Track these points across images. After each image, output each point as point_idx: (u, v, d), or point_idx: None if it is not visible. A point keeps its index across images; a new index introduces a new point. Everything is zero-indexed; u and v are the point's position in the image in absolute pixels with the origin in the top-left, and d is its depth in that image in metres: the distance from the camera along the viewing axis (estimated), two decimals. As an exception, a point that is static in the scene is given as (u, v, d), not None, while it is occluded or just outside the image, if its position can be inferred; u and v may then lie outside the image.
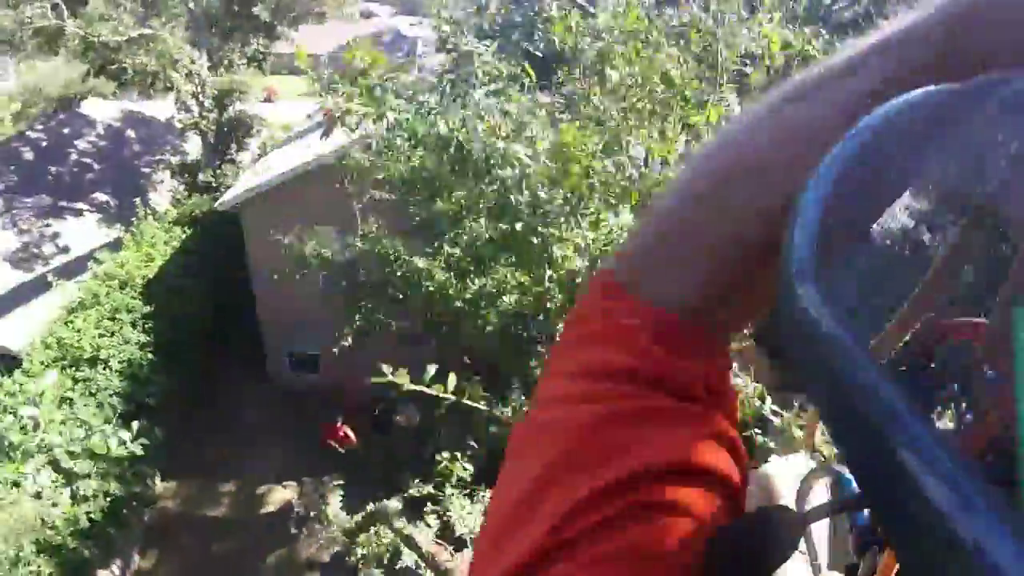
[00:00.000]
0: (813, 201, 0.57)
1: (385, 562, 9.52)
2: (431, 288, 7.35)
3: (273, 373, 17.60)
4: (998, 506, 0.41)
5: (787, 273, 0.56)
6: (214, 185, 19.90)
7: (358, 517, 11.36)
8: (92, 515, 11.44)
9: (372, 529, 10.47)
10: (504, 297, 6.70)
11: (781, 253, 0.57)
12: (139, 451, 10.72)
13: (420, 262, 7.37)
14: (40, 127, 21.94)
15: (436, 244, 7.50)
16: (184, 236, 17.53)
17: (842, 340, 0.51)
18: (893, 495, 0.47)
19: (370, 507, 10.55)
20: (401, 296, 8.43)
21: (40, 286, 15.96)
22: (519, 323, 6.52)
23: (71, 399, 12.82)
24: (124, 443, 10.49)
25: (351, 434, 14.87)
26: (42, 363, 13.44)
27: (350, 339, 10.16)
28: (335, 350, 10.16)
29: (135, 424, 10.69)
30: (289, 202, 14.44)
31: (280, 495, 15.21)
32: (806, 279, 0.55)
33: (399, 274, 7.93)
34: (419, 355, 10.43)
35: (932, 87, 0.59)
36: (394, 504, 10.87)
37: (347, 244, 9.43)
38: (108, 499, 11.83)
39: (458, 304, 7.25)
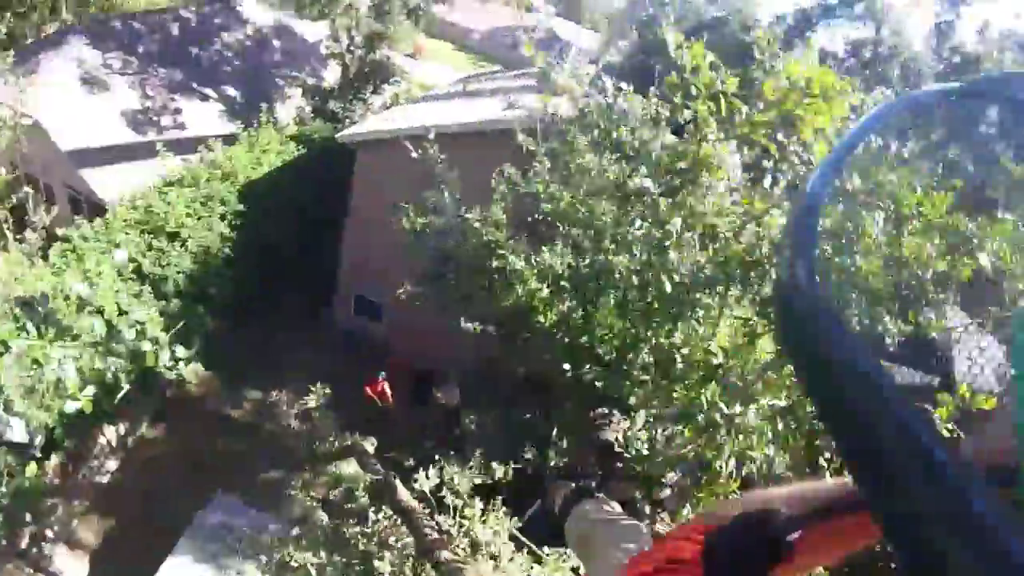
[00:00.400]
0: (812, 198, 0.77)
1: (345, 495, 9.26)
2: (519, 292, 7.00)
3: (338, 308, 17.76)
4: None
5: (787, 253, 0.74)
6: (340, 116, 20.05)
7: (330, 447, 11.19)
8: (118, 371, 11.45)
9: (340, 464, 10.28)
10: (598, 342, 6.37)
11: (783, 252, 0.77)
12: (187, 376, 10.50)
13: (517, 262, 7.00)
14: (193, 8, 22.42)
15: (549, 247, 7.09)
16: (297, 154, 17.60)
17: (818, 302, 0.69)
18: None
19: (346, 440, 10.34)
20: (490, 287, 8.12)
21: (148, 152, 16.25)
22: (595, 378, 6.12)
23: (140, 265, 12.94)
24: (177, 362, 10.26)
25: (388, 392, 14.83)
26: (124, 221, 13.61)
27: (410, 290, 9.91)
28: (401, 296, 9.94)
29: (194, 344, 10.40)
30: (407, 157, 14.44)
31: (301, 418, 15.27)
32: (801, 258, 0.72)
33: (494, 265, 7.63)
34: (481, 345, 10.39)
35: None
36: (370, 441, 10.71)
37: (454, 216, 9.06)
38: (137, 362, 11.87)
39: (539, 320, 6.90)
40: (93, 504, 12.56)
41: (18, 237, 11.60)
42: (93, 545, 12.46)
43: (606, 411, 4.84)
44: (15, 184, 16.93)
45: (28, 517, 10.56)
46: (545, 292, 6.68)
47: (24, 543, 11.09)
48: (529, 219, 8.09)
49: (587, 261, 6.40)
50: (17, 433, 9.33)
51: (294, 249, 16.88)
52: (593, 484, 3.33)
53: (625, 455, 4.30)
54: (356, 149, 15.76)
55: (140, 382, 11.86)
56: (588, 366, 5.98)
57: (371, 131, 15.69)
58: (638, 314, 5.53)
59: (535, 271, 6.78)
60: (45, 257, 12.65)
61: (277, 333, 16.56)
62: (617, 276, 5.60)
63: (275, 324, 16.70)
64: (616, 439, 4.30)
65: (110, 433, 12.90)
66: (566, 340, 6.60)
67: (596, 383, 5.77)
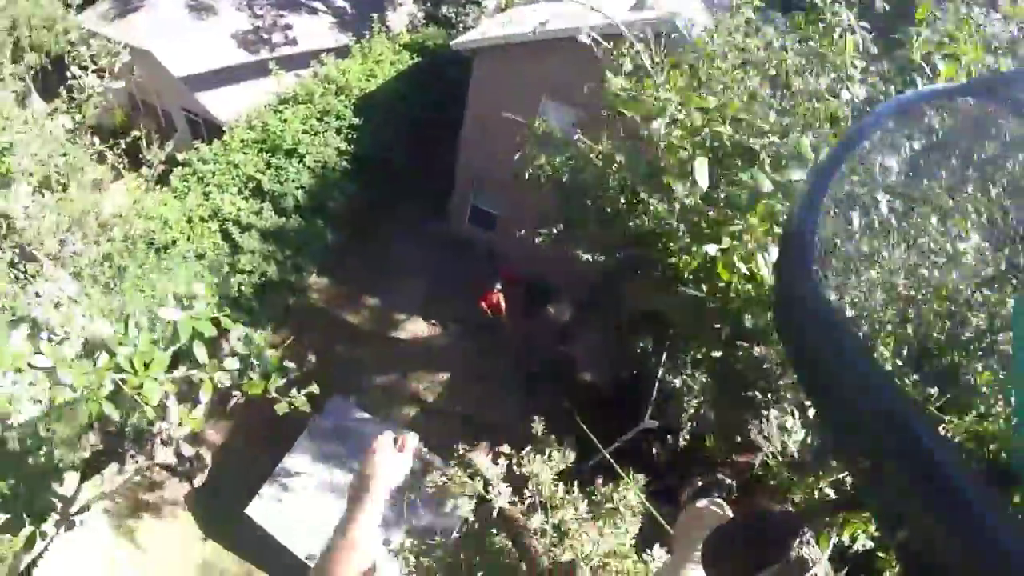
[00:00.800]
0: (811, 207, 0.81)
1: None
2: (647, 223, 6.59)
3: (452, 217, 18.25)
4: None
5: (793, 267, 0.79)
6: (454, 22, 20.13)
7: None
8: (244, 287, 12.21)
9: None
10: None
11: (783, 252, 0.83)
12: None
13: (655, 202, 6.49)
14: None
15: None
16: (411, 63, 17.88)
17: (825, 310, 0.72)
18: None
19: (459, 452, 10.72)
20: (615, 218, 7.80)
21: (260, 71, 16.84)
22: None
23: (260, 182, 13.57)
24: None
25: (503, 304, 15.38)
26: (242, 141, 14.27)
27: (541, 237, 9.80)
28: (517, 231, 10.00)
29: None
30: (525, 64, 14.38)
31: (416, 327, 16.45)
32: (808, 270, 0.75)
33: (622, 202, 7.33)
34: (594, 266, 10.46)
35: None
36: (484, 447, 11.14)
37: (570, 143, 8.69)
38: (262, 278, 12.58)
39: (671, 262, 6.47)
40: (217, 407, 13.54)
41: (139, 173, 12.31)
42: (217, 444, 13.70)
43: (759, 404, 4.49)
44: (134, 117, 17.91)
45: (156, 426, 11.42)
46: (682, 232, 5.97)
47: (152, 446, 12.05)
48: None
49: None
50: None
51: (411, 159, 17.32)
52: (723, 493, 3.29)
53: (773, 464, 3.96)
54: (471, 57, 15.83)
55: (262, 297, 12.67)
56: (728, 338, 5.55)
57: (485, 38, 15.68)
58: None
59: (668, 207, 6.29)
60: (166, 184, 13.44)
61: (394, 242, 17.32)
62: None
63: (392, 233, 17.46)
64: (766, 450, 3.99)
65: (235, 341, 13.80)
66: (701, 291, 6.07)
67: (739, 365, 5.34)
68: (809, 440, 4.24)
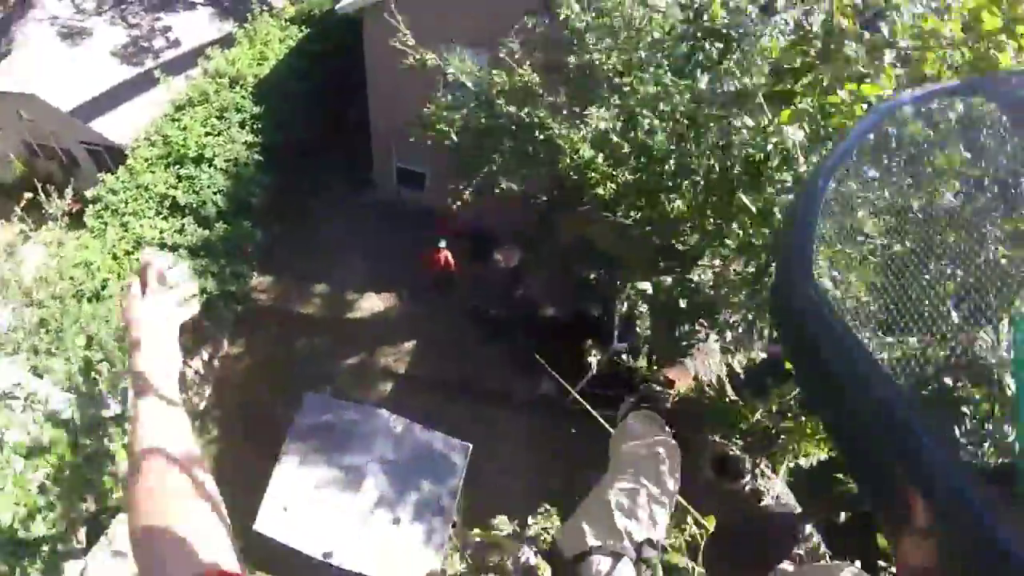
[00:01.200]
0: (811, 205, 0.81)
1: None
2: (569, 161, 6.55)
3: (379, 184, 18.32)
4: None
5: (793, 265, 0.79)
6: (338, -16, 19.90)
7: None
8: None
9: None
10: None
11: (783, 252, 0.85)
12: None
13: (563, 129, 6.41)
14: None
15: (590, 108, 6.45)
16: (300, 35, 17.77)
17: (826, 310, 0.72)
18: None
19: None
20: (532, 154, 7.77)
21: (148, 81, 16.71)
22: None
23: (175, 199, 13.59)
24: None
25: (451, 260, 15.73)
26: (146, 160, 14.22)
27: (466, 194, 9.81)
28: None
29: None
30: (422, 12, 14.22)
31: (370, 303, 16.69)
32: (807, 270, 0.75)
33: (539, 137, 7.29)
34: (530, 205, 10.48)
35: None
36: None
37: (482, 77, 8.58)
38: (205, 295, 12.67)
39: (599, 191, 6.44)
40: (196, 430, 13.82)
41: (47, 227, 12.19)
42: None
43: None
44: (34, 164, 17.82)
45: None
46: (600, 160, 6.11)
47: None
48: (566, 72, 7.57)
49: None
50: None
51: (325, 133, 17.45)
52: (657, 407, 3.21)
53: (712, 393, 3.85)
54: (361, 18, 15.66)
55: (209, 313, 12.82)
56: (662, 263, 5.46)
57: (371, -5, 15.43)
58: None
59: (583, 137, 6.23)
60: (83, 227, 13.43)
61: (328, 222, 17.43)
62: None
63: (324, 214, 17.57)
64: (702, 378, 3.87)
65: (196, 363, 14.00)
66: (630, 220, 6.06)
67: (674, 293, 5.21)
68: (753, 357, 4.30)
